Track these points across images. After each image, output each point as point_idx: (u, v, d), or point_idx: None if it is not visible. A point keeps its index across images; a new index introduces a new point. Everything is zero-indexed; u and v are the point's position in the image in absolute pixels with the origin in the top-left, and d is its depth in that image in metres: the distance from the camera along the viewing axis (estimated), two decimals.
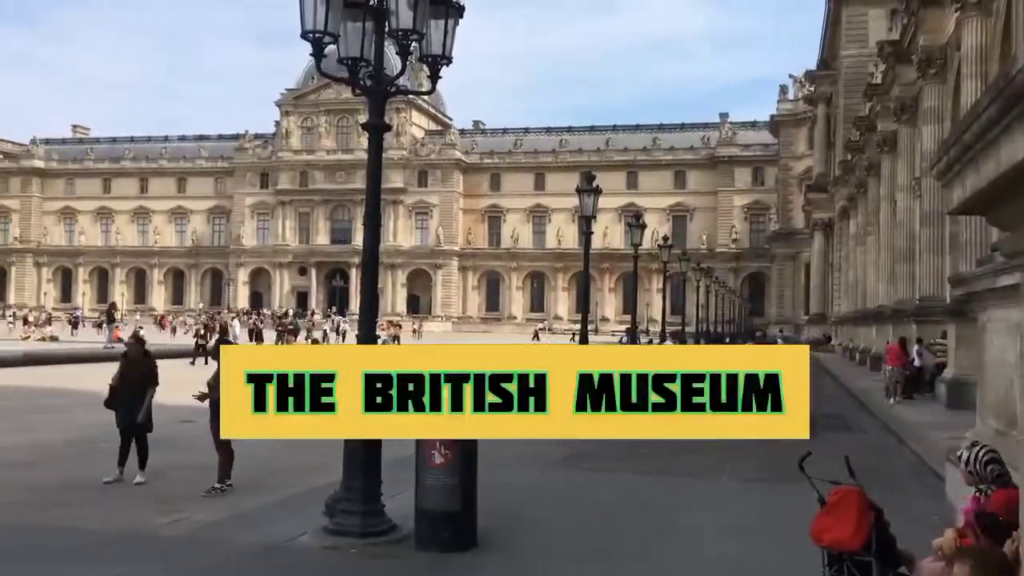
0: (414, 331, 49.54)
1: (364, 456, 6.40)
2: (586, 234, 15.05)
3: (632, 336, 21.03)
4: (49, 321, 46.86)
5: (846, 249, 38.77)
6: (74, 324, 48.88)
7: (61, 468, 9.43)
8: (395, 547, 6.24)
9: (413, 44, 6.57)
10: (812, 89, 52.36)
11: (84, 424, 12.86)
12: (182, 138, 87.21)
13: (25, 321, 45.62)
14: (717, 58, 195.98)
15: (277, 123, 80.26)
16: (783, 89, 65.15)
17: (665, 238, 27.47)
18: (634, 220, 21.22)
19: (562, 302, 75.70)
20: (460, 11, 6.78)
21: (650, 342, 25.44)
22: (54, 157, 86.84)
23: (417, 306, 77.14)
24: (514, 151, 79.00)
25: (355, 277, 71.19)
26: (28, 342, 34.24)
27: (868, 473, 4.80)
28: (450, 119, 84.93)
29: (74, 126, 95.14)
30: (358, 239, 62.62)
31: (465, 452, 6.14)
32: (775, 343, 34.01)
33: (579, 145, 77.56)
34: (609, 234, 71.05)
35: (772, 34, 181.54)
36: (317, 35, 6.30)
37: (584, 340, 14.79)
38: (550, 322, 73.67)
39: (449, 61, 6.80)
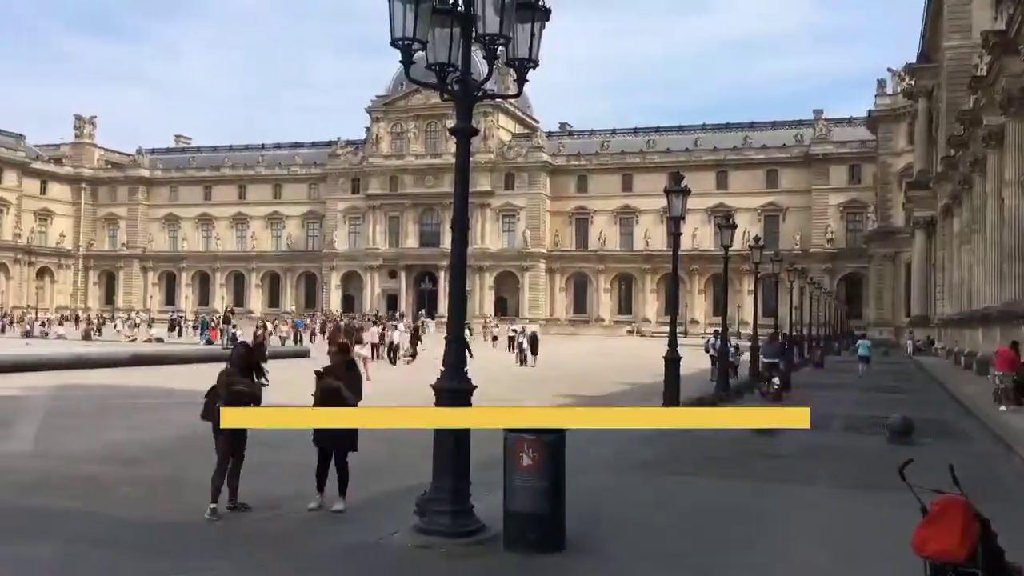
0: (493, 337, 49.51)
1: (453, 457, 6.48)
2: (675, 235, 14.87)
3: (723, 339, 20.64)
4: (151, 323, 48.97)
5: (950, 248, 37.20)
6: (175, 326, 50.95)
7: (165, 465, 9.82)
8: (484, 547, 6.29)
9: (500, 48, 6.62)
10: (912, 83, 50.46)
11: (187, 423, 13.39)
12: (278, 146, 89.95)
13: (134, 324, 47.78)
14: (809, 55, 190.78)
15: (368, 129, 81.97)
16: (881, 84, 62.97)
17: (756, 239, 26.83)
18: (724, 220, 20.82)
19: (651, 304, 74.93)
20: (546, 14, 6.79)
21: (736, 348, 24.86)
22: (159, 166, 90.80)
23: (505, 308, 77.52)
24: (601, 152, 78.65)
25: (443, 280, 72.09)
26: (135, 344, 35.85)
27: (974, 482, 4.59)
28: (537, 122, 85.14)
29: (177, 136, 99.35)
30: (446, 242, 63.39)
31: (552, 454, 6.15)
32: (860, 347, 32.60)
33: (667, 145, 76.67)
34: (699, 235, 70.01)
35: (867, 29, 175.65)
36: (406, 42, 6.41)
37: (673, 342, 14.60)
38: (638, 324, 73.07)
39: (536, 64, 6.82)
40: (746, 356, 24.88)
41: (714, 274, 68.24)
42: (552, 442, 6.20)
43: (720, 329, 21.94)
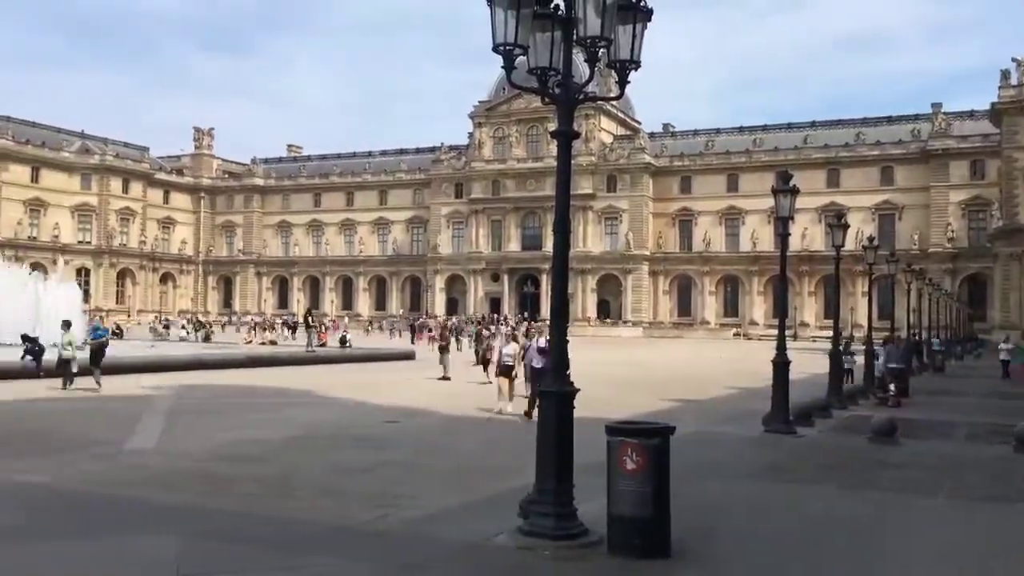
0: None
1: (556, 460, 6.48)
2: (782, 236, 14.44)
3: (835, 341, 19.93)
4: (272, 327, 50.76)
5: None
6: (293, 328, 52.70)
7: (279, 463, 10.17)
8: (587, 551, 6.27)
9: (601, 50, 6.59)
10: None
11: (300, 423, 13.87)
12: (383, 153, 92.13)
13: (252, 327, 49.58)
14: (923, 49, 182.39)
15: (470, 135, 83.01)
16: (1005, 74, 59.51)
17: (871, 238, 25.78)
18: (835, 220, 20.11)
19: (758, 306, 73.13)
20: (648, 15, 6.73)
21: (851, 355, 23.95)
22: (272, 175, 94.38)
23: (607, 311, 77.10)
24: (705, 152, 77.28)
25: (546, 283, 72.27)
26: (251, 346, 37.30)
27: None
28: (639, 123, 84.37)
29: (289, 146, 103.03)
30: (548, 245, 63.50)
31: (657, 459, 6.08)
32: (1003, 352, 31.10)
33: (774, 144, 74.70)
34: (808, 235, 67.95)
35: (986, 19, 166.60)
36: (507, 47, 6.46)
37: (781, 346, 14.19)
38: (745, 327, 71.43)
39: (637, 66, 6.76)
40: (860, 360, 23.99)
41: (825, 275, 66.13)
42: (656, 446, 6.13)
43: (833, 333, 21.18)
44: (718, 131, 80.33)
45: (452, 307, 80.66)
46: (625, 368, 30.64)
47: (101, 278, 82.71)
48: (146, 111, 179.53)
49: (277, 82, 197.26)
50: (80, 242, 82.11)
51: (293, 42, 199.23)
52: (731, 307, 75.25)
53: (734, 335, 70.23)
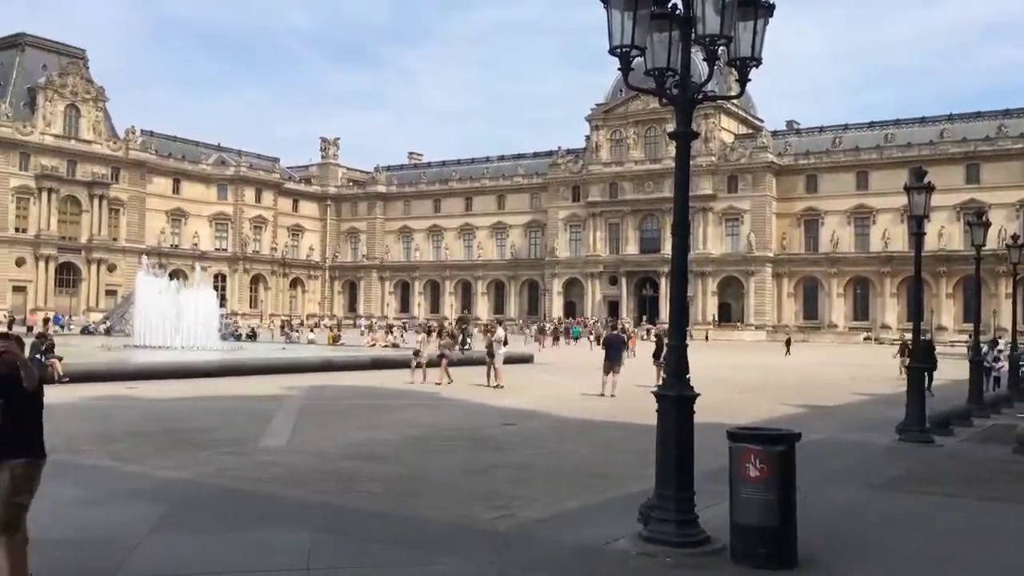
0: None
1: (676, 465, 6.39)
2: (917, 235, 13.76)
3: (975, 346, 18.82)
4: (391, 330, 52.09)
5: None
6: (428, 332, 53.75)
7: (403, 462, 10.42)
8: (709, 558, 6.15)
9: (721, 48, 6.47)
10: None
11: (422, 423, 14.19)
12: (501, 158, 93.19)
13: (371, 329, 51.11)
14: None
15: (587, 138, 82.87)
16: None
17: (1015, 236, 24.24)
18: (975, 218, 18.99)
19: (890, 309, 69.86)
20: (770, 10, 6.55)
21: (995, 360, 22.56)
22: (394, 182, 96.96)
23: (728, 314, 75.37)
24: (832, 150, 74.47)
25: (664, 286, 71.27)
26: (375, 348, 38.36)
27: None
28: (761, 121, 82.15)
29: (410, 153, 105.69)
30: (667, 247, 62.62)
31: (782, 466, 5.90)
32: None
33: (907, 139, 71.25)
34: (945, 234, 64.54)
35: None
36: (624, 49, 6.42)
37: (915, 352, 13.51)
38: (876, 331, 68.38)
39: (758, 63, 6.60)
40: (1005, 366, 22.59)
41: (965, 276, 62.63)
42: (781, 453, 5.95)
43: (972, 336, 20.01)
44: (846, 127, 77.29)
45: (570, 310, 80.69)
46: (747, 372, 29.87)
47: (236, 283, 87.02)
48: (277, 123, 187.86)
49: (400, 92, 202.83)
50: (217, 249, 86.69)
51: (416, 53, 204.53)
52: (861, 310, 72.20)
53: (864, 339, 67.35)
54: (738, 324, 73.51)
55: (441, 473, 9.74)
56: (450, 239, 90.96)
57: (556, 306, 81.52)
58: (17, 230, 71.85)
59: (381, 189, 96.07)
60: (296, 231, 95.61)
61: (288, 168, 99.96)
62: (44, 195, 72.78)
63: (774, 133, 78.98)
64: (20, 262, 71.92)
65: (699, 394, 6.65)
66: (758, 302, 74.00)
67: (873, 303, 71.22)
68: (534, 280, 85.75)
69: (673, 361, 6.68)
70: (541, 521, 7.40)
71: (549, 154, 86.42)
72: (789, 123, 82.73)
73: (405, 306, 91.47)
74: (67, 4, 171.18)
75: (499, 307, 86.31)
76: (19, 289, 71.52)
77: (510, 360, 32.80)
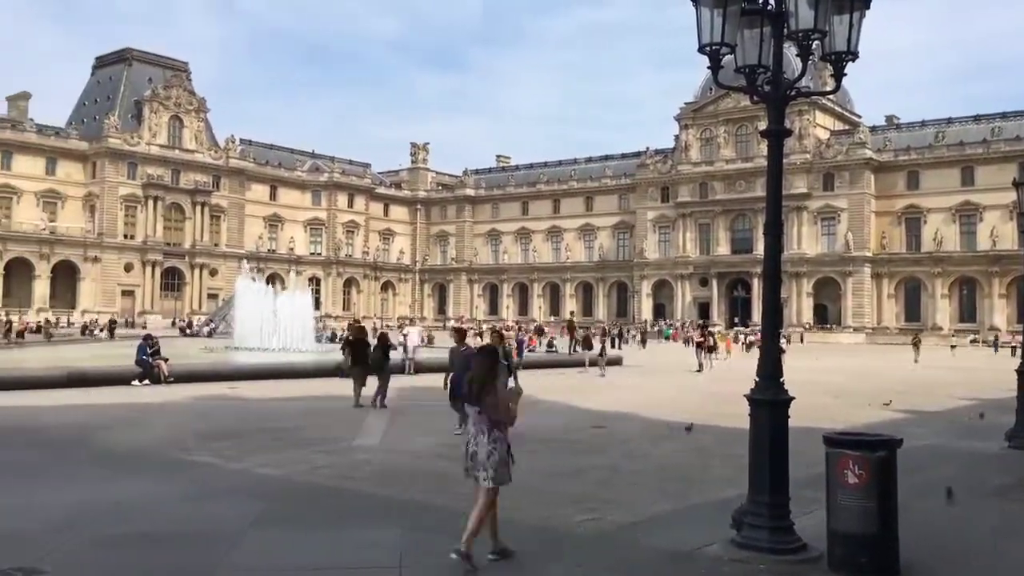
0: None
1: (770, 471, 6.25)
2: None
3: None
4: (480, 332, 52.47)
5: None
6: (540, 333, 54.02)
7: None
8: (806, 567, 5.99)
9: (815, 43, 6.30)
10: None
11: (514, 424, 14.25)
12: (589, 160, 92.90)
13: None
14: None
15: (676, 137, 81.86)
16: None
17: None
18: None
19: (999, 311, 66.64)
20: (867, 2, 6.34)
21: None
22: (482, 185, 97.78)
23: (825, 316, 73.23)
24: (935, 145, 71.52)
25: (757, 287, 69.74)
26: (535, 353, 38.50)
27: None
28: (859, 117, 79.57)
29: (498, 156, 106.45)
30: (759, 248, 61.22)
31: (882, 473, 5.70)
32: None
33: (1015, 132, 67.88)
34: None
35: None
36: (714, 47, 6.33)
37: None
38: (984, 333, 65.32)
39: (854, 57, 6.40)
40: None
41: None
42: (881, 459, 5.75)
43: None
44: (949, 121, 74.12)
45: (659, 312, 79.83)
46: (845, 376, 28.95)
47: (330, 287, 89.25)
48: (368, 129, 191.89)
49: (489, 95, 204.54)
50: (311, 254, 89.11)
51: (505, 57, 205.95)
52: (967, 312, 69.13)
53: (971, 342, 64.42)
54: (834, 326, 71.34)
55: (529, 475, 9.73)
56: (538, 241, 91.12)
57: (645, 308, 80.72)
58: (126, 236, 75.40)
59: (469, 192, 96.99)
60: (387, 235, 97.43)
61: (379, 173, 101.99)
62: (150, 203, 76.19)
63: (872, 128, 76.37)
64: (128, 267, 75.47)
65: (793, 398, 6.50)
66: (856, 304, 71.65)
67: (980, 304, 68.10)
68: (622, 282, 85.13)
69: (766, 364, 6.53)
70: (631, 525, 7.35)
71: (637, 155, 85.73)
72: (888, 118, 79.90)
73: (494, 308, 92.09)
74: (171, 19, 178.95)
75: (587, 309, 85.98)
76: (127, 293, 75.06)
77: (608, 362, 32.73)
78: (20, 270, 70.28)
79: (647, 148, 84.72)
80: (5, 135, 71.76)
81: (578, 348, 33.01)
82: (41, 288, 70.92)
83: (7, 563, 5.75)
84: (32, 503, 7.86)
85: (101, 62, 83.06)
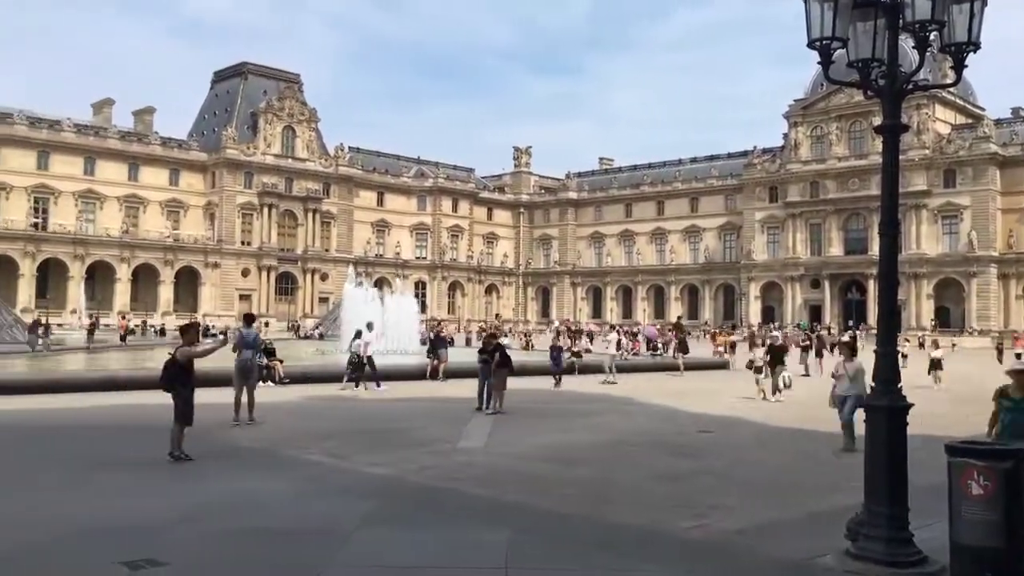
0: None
1: (887, 480, 6.00)
2: None
3: None
4: (578, 335, 52.28)
5: None
6: (635, 335, 53.58)
7: (598, 467, 10.45)
8: None
9: (933, 34, 6.03)
10: None
11: (618, 428, 14.18)
12: (693, 160, 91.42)
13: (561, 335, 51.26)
14: None
15: (785, 135, 79.64)
16: None
17: None
18: None
19: None
20: None
21: None
22: (585, 188, 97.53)
23: (947, 319, 69.79)
24: None
25: (872, 289, 67.07)
26: (565, 353, 38.63)
27: None
28: (982, 110, 75.53)
29: (601, 158, 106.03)
30: (874, 248, 58.89)
31: (1009, 484, 5.39)
32: None
33: None
34: None
35: None
36: (825, 42, 6.14)
37: None
38: None
39: (976, 48, 6.09)
40: None
41: None
42: (1009, 470, 5.44)
43: None
44: None
45: (768, 315, 77.73)
46: (968, 383, 27.49)
47: (435, 290, 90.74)
48: (472, 134, 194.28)
49: (593, 99, 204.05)
50: (417, 258, 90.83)
51: (608, 60, 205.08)
52: None
53: None
54: (958, 330, 67.91)
55: (635, 479, 9.68)
56: (642, 243, 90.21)
57: (753, 310, 78.76)
58: (242, 243, 78.66)
59: (572, 195, 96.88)
60: (491, 239, 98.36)
61: (482, 178, 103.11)
62: (265, 210, 79.24)
63: (997, 122, 72.32)
64: (245, 272, 78.70)
65: (912, 404, 6.23)
66: (981, 306, 68.01)
67: None
68: (729, 284, 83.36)
69: (883, 368, 6.28)
70: (739, 532, 7.19)
71: (744, 154, 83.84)
72: (1015, 110, 75.46)
73: (597, 311, 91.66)
74: (289, 33, 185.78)
75: (693, 312, 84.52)
76: (244, 297, 78.26)
77: (709, 366, 32.18)
78: (147, 276, 74.28)
79: (754, 147, 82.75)
80: (132, 148, 76.03)
81: (675, 352, 32.37)
82: (166, 293, 74.76)
83: (132, 555, 6.07)
84: (155, 498, 8.29)
85: (219, 76, 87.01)
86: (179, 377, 10.32)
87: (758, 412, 16.75)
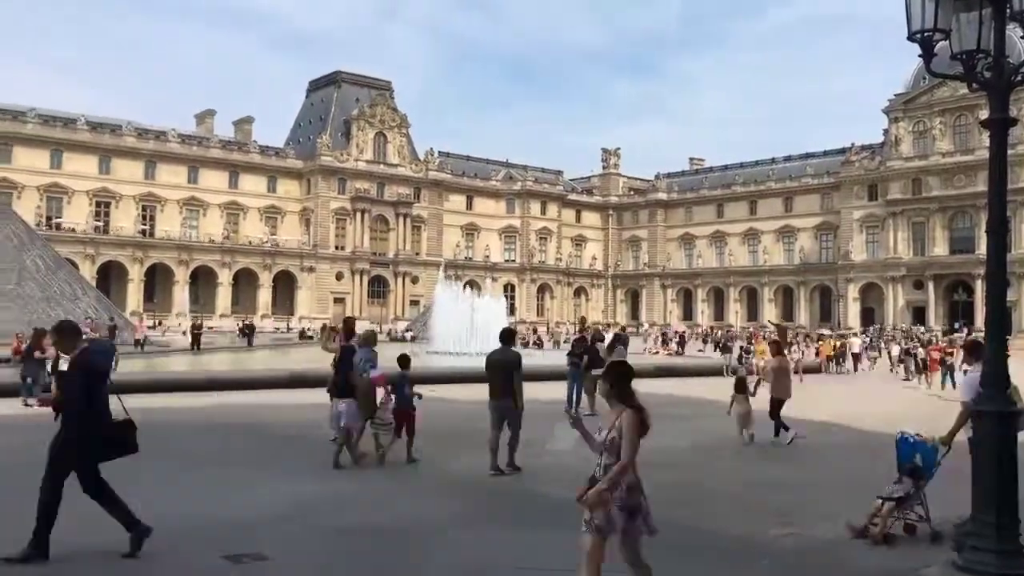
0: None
1: (996, 489, 5.74)
2: None
3: None
4: (667, 338, 51.56)
5: None
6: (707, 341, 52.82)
7: (690, 471, 10.31)
8: None
9: None
10: None
11: (711, 432, 13.97)
12: (787, 158, 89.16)
13: (664, 340, 50.65)
14: None
15: (885, 131, 76.91)
16: None
17: None
18: None
19: None
20: None
21: None
22: (674, 189, 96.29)
23: None
24: None
25: (980, 289, 64.07)
26: (657, 356, 38.34)
27: None
28: None
29: (691, 159, 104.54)
30: (982, 247, 56.24)
31: None
32: None
33: None
34: None
35: None
36: (926, 34, 5.93)
37: None
38: None
39: None
40: None
41: None
42: None
43: None
44: None
45: (867, 317, 75.19)
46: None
47: (524, 293, 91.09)
48: (559, 137, 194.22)
49: (683, 99, 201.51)
50: (506, 261, 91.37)
51: (699, 60, 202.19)
52: None
53: None
54: None
55: (727, 484, 9.52)
56: (734, 244, 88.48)
57: (852, 313, 76.30)
58: (336, 248, 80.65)
59: (662, 196, 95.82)
60: (579, 241, 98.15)
61: (570, 180, 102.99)
62: (358, 215, 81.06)
63: None
64: (339, 276, 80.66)
65: (1023, 410, 5.94)
66: None
67: None
68: (825, 285, 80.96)
69: (992, 372, 6.02)
70: (834, 542, 6.99)
71: (840, 151, 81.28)
72: None
73: (688, 314, 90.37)
74: (377, 41, 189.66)
75: (787, 314, 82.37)
76: (339, 300, 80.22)
77: (805, 370, 31.32)
78: (247, 279, 76.95)
79: (852, 144, 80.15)
80: (233, 157, 78.93)
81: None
82: (264, 296, 77.29)
83: (236, 549, 6.31)
84: (257, 494, 8.58)
85: (314, 85, 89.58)
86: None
87: (859, 418, 16.22)
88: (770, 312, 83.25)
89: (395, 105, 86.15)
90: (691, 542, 6.96)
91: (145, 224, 73.01)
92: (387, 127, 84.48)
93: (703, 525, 7.52)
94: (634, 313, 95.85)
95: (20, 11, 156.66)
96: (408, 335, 53.85)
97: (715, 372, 28.04)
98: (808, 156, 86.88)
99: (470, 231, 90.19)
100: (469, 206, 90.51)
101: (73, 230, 68.18)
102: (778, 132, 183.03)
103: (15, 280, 30.41)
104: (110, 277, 69.39)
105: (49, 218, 67.50)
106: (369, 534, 7.06)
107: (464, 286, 53.84)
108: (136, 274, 71.01)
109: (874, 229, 76.69)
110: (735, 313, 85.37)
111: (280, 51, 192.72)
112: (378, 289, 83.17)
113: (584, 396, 16.00)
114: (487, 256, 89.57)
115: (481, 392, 11.31)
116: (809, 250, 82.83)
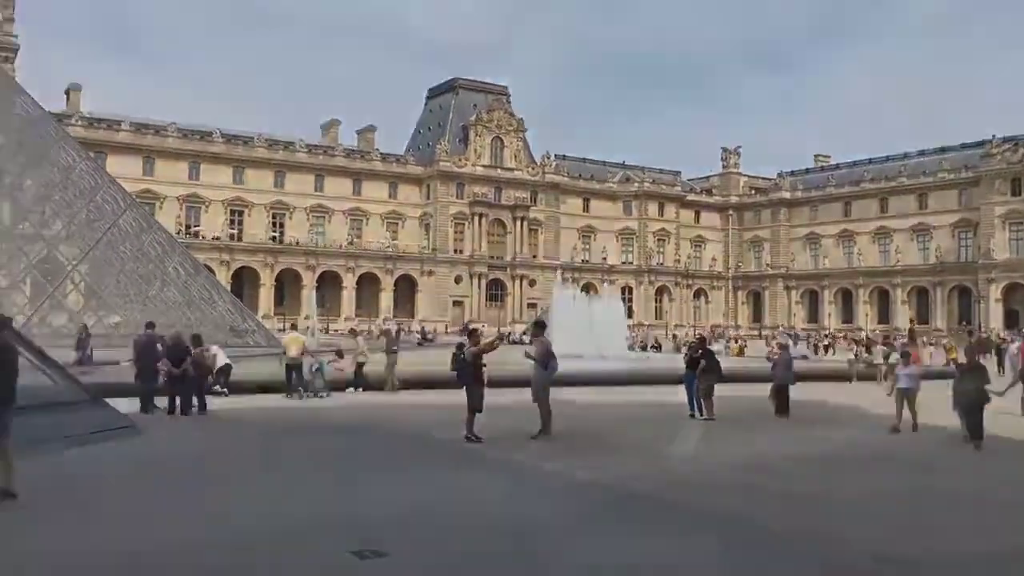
0: None
1: None
2: None
3: None
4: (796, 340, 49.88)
5: None
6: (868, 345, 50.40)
7: (812, 480, 9.95)
8: None
9: None
10: None
11: (837, 440, 13.45)
12: (921, 153, 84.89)
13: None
14: None
15: None
16: None
17: None
18: None
19: None
20: None
21: None
22: (799, 187, 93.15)
23: None
24: None
25: None
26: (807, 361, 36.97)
27: None
28: None
29: (816, 156, 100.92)
30: None
31: None
32: None
33: None
34: None
35: None
36: None
37: None
38: None
39: None
40: None
41: None
42: None
43: None
44: None
45: (1012, 319, 70.62)
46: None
47: (642, 295, 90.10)
48: (677, 137, 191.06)
49: (807, 95, 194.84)
50: (623, 263, 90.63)
51: (832, 53, 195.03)
52: None
53: None
54: None
55: (854, 495, 9.12)
56: (863, 244, 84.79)
57: (994, 315, 71.81)
58: (455, 251, 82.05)
59: (785, 195, 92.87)
60: (698, 242, 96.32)
61: (688, 180, 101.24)
62: (476, 219, 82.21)
63: None
64: (458, 279, 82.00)
65: None
66: None
67: None
68: (964, 286, 76.50)
69: None
70: (979, 557, 6.58)
71: (979, 144, 76.63)
72: None
73: (813, 316, 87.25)
74: (495, 46, 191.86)
75: (922, 316, 78.32)
76: (457, 303, 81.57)
77: (940, 375, 29.65)
78: (369, 283, 79.28)
79: (993, 136, 75.48)
80: (356, 165, 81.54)
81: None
82: (386, 300, 79.43)
83: (358, 545, 6.49)
84: (379, 492, 8.81)
85: (432, 93, 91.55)
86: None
87: (1002, 426, 15.25)
88: (903, 314, 79.35)
89: (511, 109, 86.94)
90: (823, 553, 6.70)
91: (275, 231, 76.32)
92: (504, 131, 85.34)
93: (835, 535, 7.22)
94: (756, 315, 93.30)
95: (161, 33, 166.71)
96: (525, 338, 54.13)
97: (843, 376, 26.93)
98: (943, 150, 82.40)
99: (587, 233, 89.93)
100: (586, 208, 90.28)
101: (217, 237, 72.14)
102: (910, 126, 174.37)
103: (158, 286, 32.23)
104: (243, 282, 72.83)
105: (188, 226, 71.47)
106: (490, 532, 7.13)
107: (581, 289, 53.72)
108: (267, 279, 74.26)
109: (1018, 226, 72.00)
110: (864, 315, 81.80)
111: (405, 61, 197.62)
112: (496, 292, 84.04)
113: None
114: (604, 258, 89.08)
115: (599, 395, 11.23)
116: (946, 249, 78.48)
